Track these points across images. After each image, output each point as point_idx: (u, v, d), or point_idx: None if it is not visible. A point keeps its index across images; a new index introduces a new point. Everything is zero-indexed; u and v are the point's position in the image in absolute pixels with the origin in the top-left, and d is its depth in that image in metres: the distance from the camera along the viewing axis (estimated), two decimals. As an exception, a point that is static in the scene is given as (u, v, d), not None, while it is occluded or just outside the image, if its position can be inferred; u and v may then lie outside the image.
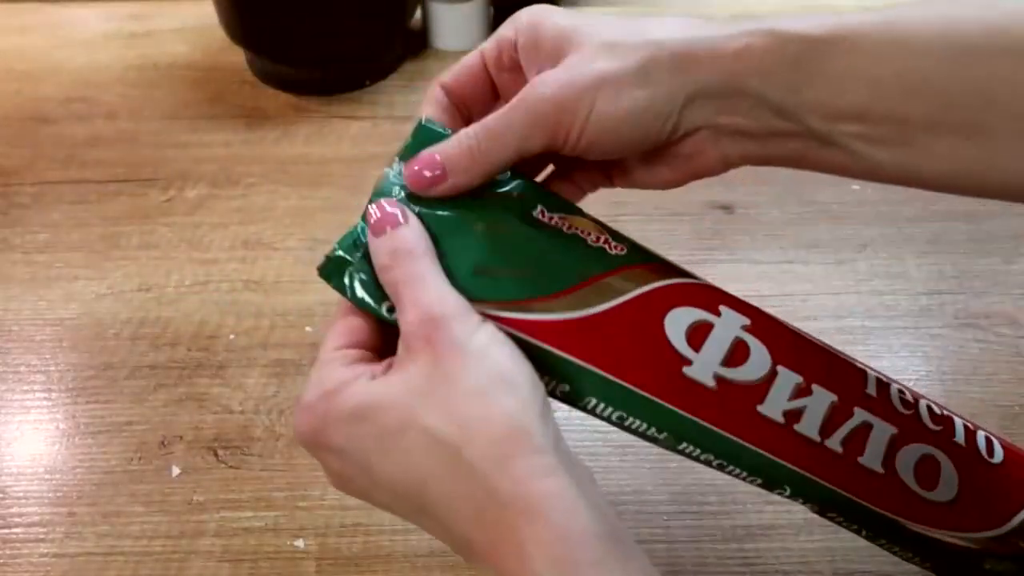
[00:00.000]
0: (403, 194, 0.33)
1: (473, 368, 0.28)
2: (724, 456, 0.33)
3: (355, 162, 0.64)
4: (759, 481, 0.33)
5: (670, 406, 0.32)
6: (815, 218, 0.59)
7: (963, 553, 0.34)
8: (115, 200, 0.61)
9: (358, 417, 0.29)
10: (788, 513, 0.43)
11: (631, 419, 0.32)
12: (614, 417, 0.32)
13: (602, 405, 0.32)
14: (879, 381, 0.35)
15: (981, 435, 0.35)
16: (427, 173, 0.32)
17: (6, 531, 0.43)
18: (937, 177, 0.30)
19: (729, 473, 0.33)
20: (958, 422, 0.35)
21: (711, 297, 0.34)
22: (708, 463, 0.33)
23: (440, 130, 0.34)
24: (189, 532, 0.43)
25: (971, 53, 0.27)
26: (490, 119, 0.32)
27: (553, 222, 0.34)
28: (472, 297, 0.30)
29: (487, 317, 0.30)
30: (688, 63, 0.30)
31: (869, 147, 0.30)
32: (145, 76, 0.72)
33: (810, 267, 0.56)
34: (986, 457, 0.35)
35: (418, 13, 0.74)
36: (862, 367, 0.36)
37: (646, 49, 0.30)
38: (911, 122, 0.29)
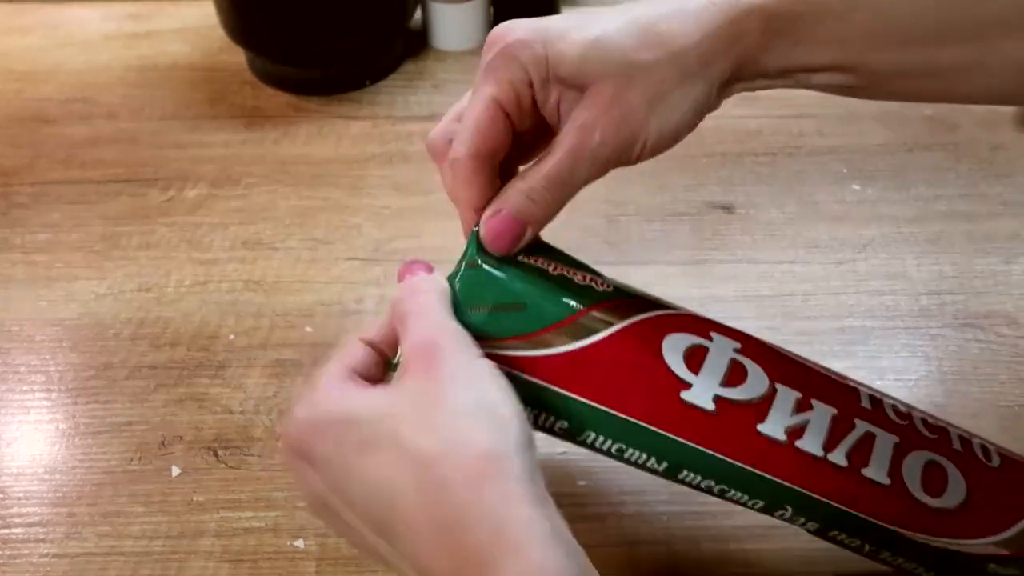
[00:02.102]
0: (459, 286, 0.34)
1: (461, 394, 0.28)
2: (725, 481, 0.33)
3: (355, 162, 0.64)
4: (760, 504, 0.33)
5: (668, 434, 0.32)
6: (815, 218, 0.59)
7: (967, 559, 0.34)
8: (115, 200, 0.61)
9: (343, 422, 0.29)
10: (788, 513, 0.43)
11: (630, 450, 0.33)
12: (613, 450, 0.33)
13: (601, 438, 0.33)
14: (872, 397, 0.35)
15: (976, 442, 0.36)
16: (502, 229, 0.33)
17: (6, 531, 0.43)
18: (898, 99, 0.35)
19: (729, 499, 0.34)
20: (952, 432, 0.36)
21: (701, 325, 0.35)
22: (709, 490, 0.33)
23: None
24: (189, 532, 0.43)
25: (925, 2, 0.31)
26: (554, 168, 0.32)
27: (538, 263, 0.34)
28: (486, 334, 0.32)
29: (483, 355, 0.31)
30: (712, 59, 0.32)
31: (840, 89, 0.34)
32: (145, 76, 0.72)
33: (810, 267, 0.56)
34: (985, 462, 0.35)
35: (418, 13, 0.74)
36: (854, 384, 0.36)
37: (674, 61, 0.32)
38: (877, 69, 0.32)
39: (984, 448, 0.36)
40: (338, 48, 0.69)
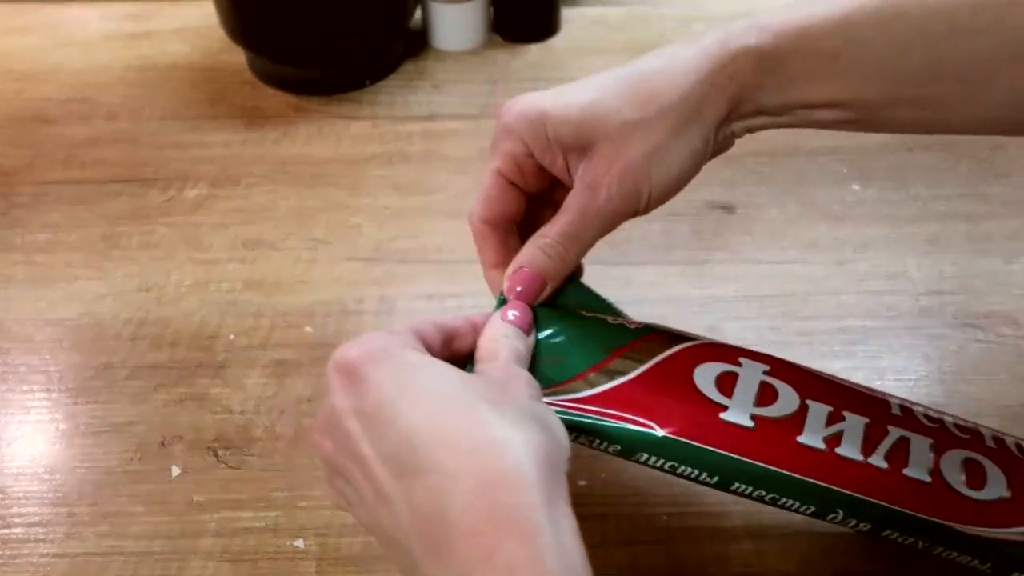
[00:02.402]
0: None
1: (526, 400, 0.31)
2: (775, 490, 0.34)
3: (355, 162, 0.64)
4: (811, 509, 0.35)
5: (717, 449, 0.34)
6: (815, 218, 0.59)
7: (1021, 547, 0.35)
8: (115, 200, 0.61)
9: (417, 366, 0.30)
10: (789, 513, 0.43)
11: (683, 467, 0.35)
12: (666, 467, 0.35)
13: (653, 458, 0.35)
14: (902, 405, 0.37)
15: (1010, 440, 0.37)
16: (524, 287, 0.37)
17: (6, 531, 0.43)
18: (894, 131, 0.36)
19: (781, 506, 0.35)
20: (985, 432, 0.37)
21: (729, 352, 0.37)
22: (760, 499, 0.35)
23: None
24: (189, 532, 0.43)
25: (913, 39, 0.32)
26: (566, 224, 0.36)
27: (572, 309, 0.38)
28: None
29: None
30: (703, 106, 0.34)
31: (839, 124, 0.35)
32: (145, 76, 0.72)
33: (810, 267, 0.56)
34: (1019, 455, 0.36)
35: (418, 13, 0.74)
36: (883, 396, 0.38)
37: (669, 116, 0.34)
38: (871, 103, 0.33)
39: (1019, 446, 0.37)
40: (338, 48, 0.69)
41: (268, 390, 0.49)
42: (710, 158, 0.37)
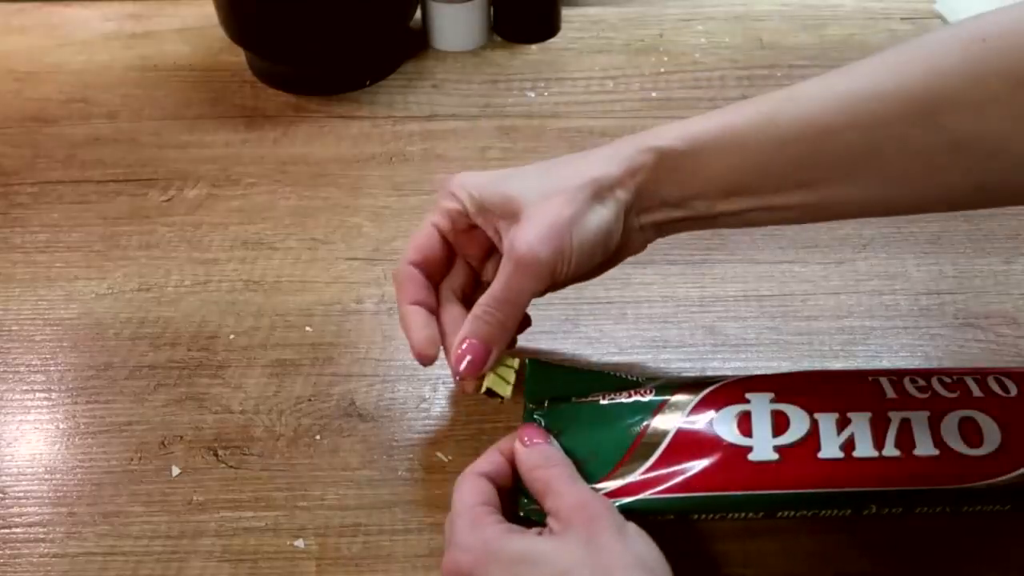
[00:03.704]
0: (544, 423, 0.41)
1: (625, 552, 0.33)
2: (812, 506, 0.38)
3: (355, 162, 0.64)
4: (848, 512, 0.38)
5: (755, 492, 0.38)
6: (815, 218, 0.59)
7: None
8: (115, 200, 0.61)
9: (519, 561, 0.33)
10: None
11: (731, 514, 0.38)
12: (716, 517, 0.39)
13: (705, 515, 0.38)
14: (891, 381, 0.40)
15: (991, 379, 0.41)
16: (472, 356, 0.40)
17: (6, 531, 0.43)
18: (795, 220, 0.40)
19: (824, 517, 0.38)
20: (968, 379, 0.41)
21: (734, 391, 0.40)
22: (804, 518, 0.39)
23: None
24: (189, 532, 0.43)
25: (785, 137, 0.37)
26: (499, 290, 0.39)
27: (590, 401, 0.41)
28: None
29: None
30: (615, 186, 0.39)
31: (739, 215, 0.39)
32: (145, 76, 0.72)
33: (810, 267, 0.56)
34: (1004, 395, 0.40)
35: (418, 13, 0.74)
36: (873, 378, 0.41)
37: (585, 188, 0.39)
38: (760, 189, 0.38)
39: (999, 380, 0.41)
40: (338, 48, 0.69)
41: (268, 390, 0.49)
42: (622, 252, 0.42)
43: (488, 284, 0.41)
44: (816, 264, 0.56)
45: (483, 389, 0.41)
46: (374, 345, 0.51)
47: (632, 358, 0.50)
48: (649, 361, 0.50)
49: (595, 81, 0.71)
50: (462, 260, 0.44)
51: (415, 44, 0.75)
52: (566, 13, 0.77)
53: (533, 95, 0.69)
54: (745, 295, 0.54)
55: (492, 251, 0.43)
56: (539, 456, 0.38)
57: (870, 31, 0.77)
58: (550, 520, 0.36)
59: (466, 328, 0.40)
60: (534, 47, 0.75)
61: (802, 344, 0.51)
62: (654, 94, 0.70)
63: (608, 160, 0.39)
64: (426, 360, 0.41)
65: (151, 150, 0.65)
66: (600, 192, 0.39)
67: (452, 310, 0.43)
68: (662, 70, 0.72)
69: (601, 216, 0.39)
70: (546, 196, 0.39)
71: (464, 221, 0.42)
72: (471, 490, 0.37)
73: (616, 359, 0.50)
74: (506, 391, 0.41)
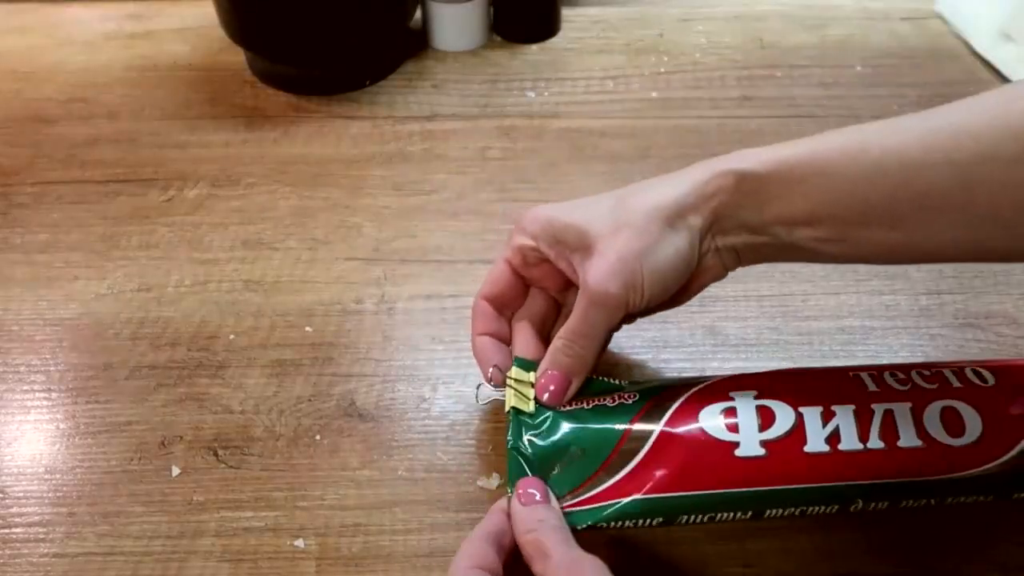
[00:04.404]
0: (530, 433, 0.40)
1: None
2: (800, 503, 0.38)
3: (355, 162, 0.64)
4: (835, 508, 0.38)
5: (742, 490, 0.37)
6: (815, 218, 0.59)
7: (1012, 467, 0.38)
8: (115, 200, 0.61)
9: None
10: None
11: (719, 515, 0.38)
12: (704, 519, 0.38)
13: (693, 517, 0.38)
14: (872, 376, 0.40)
15: (968, 370, 0.41)
16: (554, 387, 0.41)
17: (6, 531, 0.43)
18: (875, 258, 0.39)
19: (811, 515, 0.38)
20: (946, 371, 0.41)
21: (719, 389, 0.40)
22: (792, 516, 0.38)
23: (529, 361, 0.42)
24: (189, 532, 0.43)
25: (872, 170, 0.36)
26: (576, 324, 0.40)
27: (577, 405, 0.41)
28: (557, 495, 0.38)
29: (567, 507, 0.38)
30: (687, 212, 0.39)
31: (819, 244, 0.38)
32: (145, 76, 0.72)
33: (810, 267, 0.56)
34: (982, 384, 0.40)
35: (418, 13, 0.74)
36: (854, 373, 0.41)
37: (656, 218, 0.39)
38: (843, 220, 0.37)
39: (976, 372, 0.41)
40: (338, 48, 0.69)
41: (268, 390, 0.49)
42: (700, 278, 0.41)
43: (569, 313, 0.42)
44: (816, 264, 0.56)
45: (506, 409, 0.41)
46: (374, 345, 0.51)
47: (632, 358, 0.50)
48: (649, 361, 0.50)
49: (595, 81, 0.71)
50: (538, 290, 0.45)
51: (415, 44, 0.75)
52: (566, 13, 0.78)
53: (533, 95, 0.69)
54: (745, 295, 0.54)
55: (570, 282, 0.44)
56: (532, 519, 0.37)
57: (870, 31, 0.77)
58: None
59: (547, 360, 0.41)
60: (534, 47, 0.75)
61: (802, 344, 0.51)
62: (654, 94, 0.70)
63: (679, 186, 0.39)
64: (498, 383, 0.43)
65: (151, 150, 0.65)
66: (671, 220, 0.39)
67: (525, 338, 0.44)
68: (662, 70, 0.72)
69: (673, 244, 0.39)
70: (617, 228, 0.39)
71: (535, 256, 0.43)
72: (466, 553, 0.36)
73: (616, 359, 0.50)
74: (529, 406, 0.41)
